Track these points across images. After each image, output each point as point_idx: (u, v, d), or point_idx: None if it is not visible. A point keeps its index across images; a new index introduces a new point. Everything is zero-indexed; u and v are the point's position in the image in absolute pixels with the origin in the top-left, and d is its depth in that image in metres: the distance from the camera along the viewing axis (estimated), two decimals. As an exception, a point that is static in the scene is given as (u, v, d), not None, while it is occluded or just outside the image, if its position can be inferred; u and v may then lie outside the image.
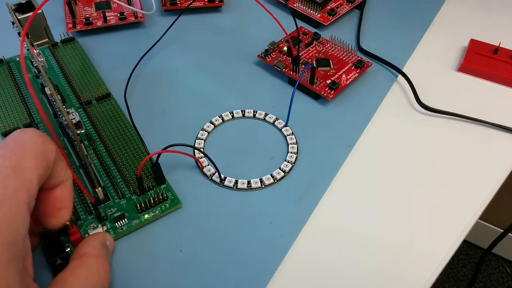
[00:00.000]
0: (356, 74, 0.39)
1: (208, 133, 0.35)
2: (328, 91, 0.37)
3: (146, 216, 0.29)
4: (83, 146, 0.27)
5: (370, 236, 0.30)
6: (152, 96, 0.38)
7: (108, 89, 0.38)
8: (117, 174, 0.32)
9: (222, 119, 0.36)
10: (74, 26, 0.43)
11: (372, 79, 0.40)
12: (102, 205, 0.30)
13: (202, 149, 0.34)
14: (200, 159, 0.33)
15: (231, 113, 0.36)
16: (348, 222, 0.30)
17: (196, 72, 0.40)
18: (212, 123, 0.36)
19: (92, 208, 0.29)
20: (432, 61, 0.43)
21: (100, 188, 0.29)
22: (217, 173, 0.32)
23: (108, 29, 0.44)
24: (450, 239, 0.30)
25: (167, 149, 0.30)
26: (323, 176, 0.33)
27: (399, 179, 0.33)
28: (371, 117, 0.37)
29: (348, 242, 0.29)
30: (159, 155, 0.30)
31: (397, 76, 0.41)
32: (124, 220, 0.29)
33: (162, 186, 0.31)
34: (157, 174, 0.30)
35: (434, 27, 0.47)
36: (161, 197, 0.30)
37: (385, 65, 0.41)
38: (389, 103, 0.38)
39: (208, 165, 0.33)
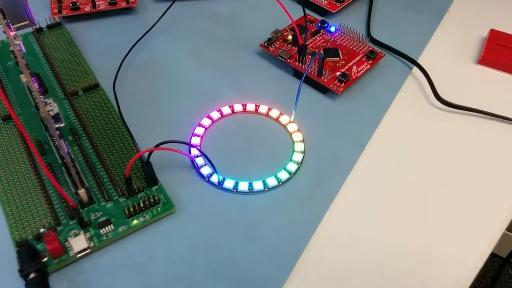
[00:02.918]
0: (368, 66, 0.35)
1: (206, 129, 0.32)
2: (338, 84, 0.34)
3: (135, 221, 0.26)
4: (62, 142, 0.24)
5: (386, 243, 0.27)
6: (144, 87, 0.35)
7: (96, 79, 0.34)
8: (104, 174, 0.28)
9: (221, 114, 0.33)
10: (60, 11, 0.40)
11: (385, 72, 0.37)
12: (86, 208, 0.26)
13: (198, 147, 0.31)
14: (196, 158, 0.29)
15: (231, 107, 0.33)
16: (363, 228, 0.27)
17: (192, 63, 0.37)
18: (210, 118, 0.32)
19: (74, 212, 0.25)
20: (449, 52, 0.39)
21: (83, 190, 0.26)
22: (215, 174, 0.29)
23: (97, 15, 0.41)
24: (478, 248, 0.26)
25: (160, 146, 0.26)
26: (333, 178, 0.29)
27: (416, 181, 0.30)
28: (385, 112, 0.34)
29: (363, 251, 0.26)
30: (150, 153, 0.26)
31: (411, 68, 0.37)
32: (110, 226, 0.26)
33: (154, 188, 0.28)
34: (148, 175, 0.27)
35: (450, 15, 0.43)
36: (152, 200, 0.27)
37: (398, 57, 0.38)
38: (404, 98, 0.35)
39: (205, 165, 0.29)
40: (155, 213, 0.27)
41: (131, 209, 0.26)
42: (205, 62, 0.37)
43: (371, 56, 0.36)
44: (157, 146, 0.26)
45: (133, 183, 0.27)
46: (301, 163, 0.30)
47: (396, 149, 0.32)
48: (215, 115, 0.32)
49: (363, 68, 0.35)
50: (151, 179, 0.27)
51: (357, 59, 0.36)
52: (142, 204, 0.26)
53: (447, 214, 0.28)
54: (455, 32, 0.41)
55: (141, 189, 0.27)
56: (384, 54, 0.36)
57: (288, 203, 0.28)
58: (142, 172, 0.28)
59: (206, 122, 0.32)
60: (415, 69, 0.37)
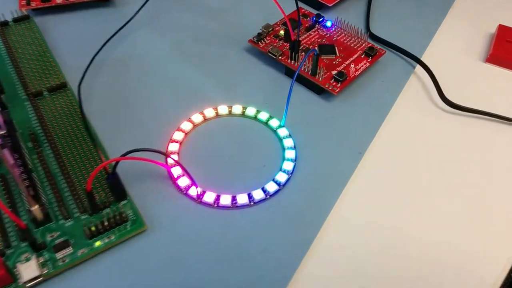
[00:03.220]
0: (367, 64, 0.32)
1: (186, 134, 0.28)
2: (334, 83, 0.30)
3: (98, 243, 0.23)
4: (7, 153, 0.20)
5: (388, 265, 0.23)
6: (119, 87, 0.31)
7: (64, 78, 0.31)
8: (66, 187, 0.25)
9: (204, 116, 0.29)
10: (28, 3, 0.36)
11: (385, 70, 0.33)
12: (41, 228, 0.23)
13: (176, 155, 0.27)
14: (172, 168, 0.26)
15: (215, 109, 0.29)
16: (362, 248, 0.24)
17: (173, 60, 0.33)
18: (190, 121, 0.29)
19: (24, 233, 0.22)
20: (455, 50, 0.36)
21: (37, 207, 0.22)
22: (193, 186, 0.25)
23: (71, 7, 0.37)
24: (498, 263, 0.23)
25: (129, 155, 0.23)
26: (328, 190, 0.26)
27: (421, 192, 0.26)
28: (386, 115, 0.30)
29: (362, 275, 0.23)
30: (116, 163, 0.23)
31: (414, 67, 0.34)
32: (69, 249, 0.22)
33: (122, 203, 0.24)
34: (114, 188, 0.24)
35: (455, 10, 0.40)
36: (119, 217, 0.23)
37: (400, 54, 0.35)
38: (406, 99, 0.32)
39: (183, 175, 0.26)
40: (122, 232, 0.23)
41: (94, 228, 0.22)
42: (188, 59, 0.33)
43: (371, 53, 0.32)
44: (124, 155, 0.22)
45: (98, 197, 0.24)
46: (292, 173, 0.27)
47: (398, 156, 0.28)
48: (197, 118, 0.29)
49: (362, 66, 0.32)
50: (118, 192, 0.24)
51: (355, 56, 0.32)
52: (107, 222, 0.23)
53: (455, 227, 0.25)
54: (461, 28, 0.38)
55: (107, 204, 0.24)
56: (385, 51, 0.33)
57: (276, 219, 0.25)
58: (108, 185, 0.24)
59: (186, 126, 0.28)
60: (419, 68, 0.34)
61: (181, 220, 0.24)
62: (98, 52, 0.32)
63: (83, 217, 0.23)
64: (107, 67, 0.32)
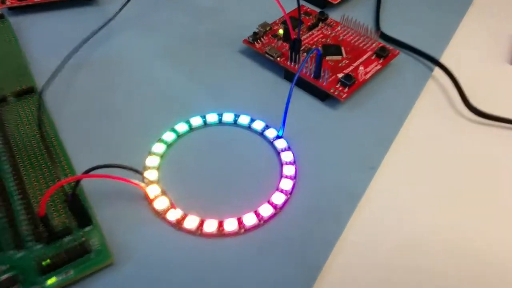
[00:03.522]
0: (379, 66, 0.28)
1: (168, 146, 0.24)
2: (340, 88, 0.26)
3: (52, 280, 0.18)
4: None
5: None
6: (94, 93, 0.27)
7: (33, 82, 0.27)
8: (22, 209, 0.21)
9: (190, 126, 0.25)
10: (3, 2, 0.33)
11: (399, 74, 0.29)
12: (-15, 261, 0.19)
13: (155, 170, 0.23)
14: (147, 187, 0.22)
15: (203, 117, 0.26)
16: (376, 283, 0.20)
17: (158, 63, 0.29)
18: (174, 131, 0.25)
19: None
20: (477, 51, 0.32)
21: (-22, 236, 0.18)
22: (172, 209, 0.21)
23: (50, 6, 0.34)
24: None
25: (94, 172, 0.19)
26: (335, 214, 0.22)
27: (442, 215, 0.22)
28: (401, 125, 0.26)
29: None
30: (77, 182, 0.19)
31: (432, 70, 0.30)
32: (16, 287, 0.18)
33: (87, 229, 0.20)
34: (75, 211, 0.20)
35: (475, 8, 0.36)
36: (79, 247, 0.19)
37: (415, 55, 0.31)
38: (424, 106, 0.28)
39: (161, 195, 0.22)
40: (83, 266, 0.19)
41: (48, 261, 0.18)
42: (174, 62, 0.29)
43: (383, 54, 0.28)
44: (88, 171, 0.18)
45: (58, 222, 0.20)
46: (291, 193, 0.22)
47: (416, 172, 0.24)
48: (182, 127, 0.25)
49: (373, 68, 0.28)
50: (80, 217, 0.20)
51: (364, 57, 0.28)
52: (64, 255, 0.19)
53: (483, 252, 0.20)
54: (482, 27, 0.34)
55: (68, 231, 0.20)
56: (399, 52, 0.29)
57: (272, 251, 0.20)
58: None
59: (168, 137, 0.25)
60: (437, 71, 0.30)
61: (157, 251, 0.20)
62: (72, 54, 0.28)
63: (37, 247, 0.19)
64: (83, 71, 0.29)
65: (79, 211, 0.19)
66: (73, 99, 0.27)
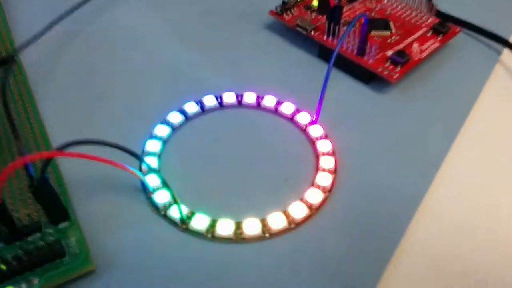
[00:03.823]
0: (437, 44, 0.23)
1: (173, 129, 0.20)
2: (391, 67, 0.21)
3: (9, 291, 0.14)
4: None
5: None
6: (90, 65, 0.23)
7: (14, 50, 0.23)
8: (-17, 197, 0.16)
9: (202, 106, 0.20)
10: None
11: (460, 55, 0.24)
12: None
13: (156, 157, 0.18)
14: (146, 177, 0.17)
15: (218, 98, 0.21)
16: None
17: (167, 36, 0.25)
18: (182, 112, 0.20)
19: None
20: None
21: None
22: (175, 205, 0.16)
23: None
24: None
25: (70, 149, 0.14)
26: (387, 220, 0.16)
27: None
28: (466, 115, 0.21)
29: None
30: (47, 162, 0.14)
31: (500, 52, 0.24)
32: (-43, 301, 0.13)
33: (61, 226, 0.15)
34: (44, 202, 0.15)
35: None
36: (48, 249, 0.14)
37: (479, 35, 0.25)
38: (493, 93, 0.22)
39: (162, 187, 0.17)
40: (54, 273, 0.14)
41: (3, 266, 0.14)
42: (187, 36, 0.25)
43: (442, 30, 0.23)
44: (62, 148, 0.14)
45: (25, 216, 0.15)
46: (329, 191, 0.17)
47: (487, 169, 0.19)
48: (191, 108, 0.20)
49: (429, 46, 0.23)
50: (53, 210, 0.15)
51: (418, 33, 0.23)
52: (25, 257, 0.14)
53: None
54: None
55: (37, 227, 0.15)
56: (459, 29, 0.24)
57: (303, 264, 0.15)
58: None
59: (175, 118, 0.20)
60: (507, 53, 0.24)
61: (154, 257, 0.15)
62: (66, 20, 0.24)
63: (-6, 246, 0.15)
64: (80, 40, 0.24)
65: (50, 201, 0.15)
66: (63, 70, 0.22)
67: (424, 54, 0.22)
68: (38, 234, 0.15)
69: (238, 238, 0.16)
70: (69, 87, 0.21)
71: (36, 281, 0.14)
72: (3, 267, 0.14)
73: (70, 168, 0.17)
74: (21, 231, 0.15)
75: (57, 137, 0.19)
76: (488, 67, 0.23)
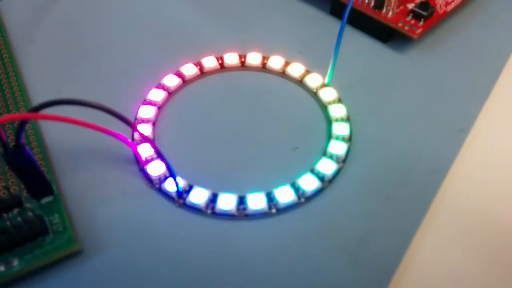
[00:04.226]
0: (464, -4, 0.20)
1: (170, 93, 0.18)
2: (413, 22, 0.19)
3: (-16, 274, 0.12)
4: None
5: None
6: (78, 21, 0.21)
7: None
8: (-42, 169, 0.14)
9: (201, 68, 0.18)
10: None
11: (488, 10, 0.22)
12: None
13: (150, 124, 0.16)
14: (139, 146, 0.15)
15: (219, 58, 0.19)
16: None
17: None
18: (179, 74, 0.18)
19: None
20: None
21: None
22: (172, 178, 0.14)
23: None
24: None
25: (48, 110, 0.12)
26: (409, 193, 0.15)
27: None
28: (497, 76, 0.19)
29: None
30: (21, 125, 0.12)
31: (535, 8, 0.22)
32: None
33: (44, 201, 0.14)
34: (21, 173, 0.13)
35: None
36: (28, 226, 0.13)
37: (510, -11, 0.23)
38: (528, 53, 0.20)
39: (157, 158, 0.15)
40: (36, 254, 0.13)
41: (-22, 246, 0.12)
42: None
43: (469, -20, 0.21)
44: (37, 108, 0.12)
45: (2, 190, 0.14)
46: (344, 161, 0.15)
47: (529, 140, 0.17)
48: (189, 70, 0.18)
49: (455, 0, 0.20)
50: (33, 182, 0.13)
51: (443, -16, 0.21)
52: (3, 237, 0.12)
53: None
54: None
55: (16, 202, 0.13)
56: (489, -19, 0.21)
57: (315, 242, 0.13)
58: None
59: (171, 81, 0.18)
60: (543, 8, 0.22)
61: (147, 234, 0.14)
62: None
63: (-33, 223, 0.13)
64: None
65: (29, 173, 0.13)
66: (47, 28, 0.20)
67: (449, 7, 0.20)
68: (18, 210, 0.13)
69: (241, 214, 0.14)
70: (53, 46, 0.19)
71: (15, 262, 0.12)
72: (-20, 247, 0.12)
73: (54, 135, 0.16)
74: (1, 205, 0.13)
75: (39, 98, 0.17)
76: (521, 22, 0.21)
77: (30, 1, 0.21)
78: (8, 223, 0.13)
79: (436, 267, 0.13)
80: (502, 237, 0.14)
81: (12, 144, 0.12)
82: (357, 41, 0.20)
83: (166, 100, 0.17)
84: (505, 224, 0.14)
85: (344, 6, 0.20)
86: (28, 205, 0.13)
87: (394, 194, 0.15)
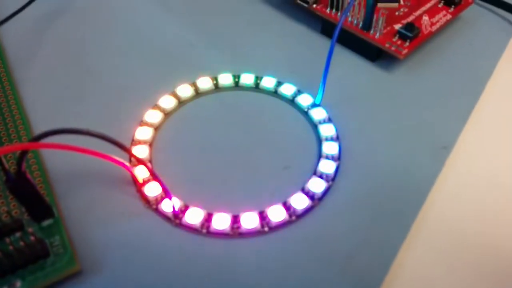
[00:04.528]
0: (449, 16, 0.21)
1: (166, 114, 0.18)
2: (399, 42, 0.20)
3: (-12, 296, 0.13)
4: None
5: None
6: (73, 45, 0.21)
7: None
8: (-39, 193, 0.15)
9: (196, 89, 0.19)
10: None
11: (473, 28, 0.22)
12: None
13: (147, 146, 0.17)
14: (134, 168, 0.16)
15: (214, 79, 0.19)
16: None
17: (155, 12, 0.23)
18: (174, 95, 0.19)
19: None
20: None
21: None
22: (167, 199, 0.15)
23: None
24: None
25: (47, 140, 0.13)
26: (395, 209, 0.15)
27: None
28: (481, 92, 0.19)
29: None
30: (22, 155, 0.13)
31: (517, 25, 0.23)
32: None
33: (45, 224, 0.14)
34: (23, 199, 0.14)
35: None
36: (31, 249, 0.13)
37: (492, 5, 0.24)
38: (509, 71, 0.21)
39: (153, 179, 0.16)
40: (37, 276, 0.13)
41: (-18, 269, 0.13)
42: (176, 11, 0.23)
43: (453, 1, 0.21)
44: (38, 138, 0.12)
45: (5, 213, 0.14)
46: (333, 179, 0.16)
47: (502, 153, 0.17)
48: (185, 91, 0.19)
49: (440, 19, 0.21)
50: (34, 206, 0.14)
51: (429, 5, 0.22)
52: (5, 260, 0.13)
53: None
54: None
55: (18, 225, 0.14)
56: (472, 0, 0.22)
57: (306, 259, 0.14)
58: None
59: (167, 103, 0.18)
60: (524, 26, 0.23)
61: (145, 254, 0.14)
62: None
63: (-28, 247, 0.14)
64: (60, 19, 0.23)
65: (30, 197, 0.13)
66: (43, 48, 0.21)
67: (434, 27, 0.20)
68: (20, 233, 0.14)
69: (235, 233, 0.15)
70: (51, 69, 0.20)
71: (18, 284, 0.13)
72: (-16, 270, 0.13)
73: (53, 159, 0.16)
74: (1, 230, 0.14)
75: (39, 123, 0.17)
76: (503, 40, 0.22)
77: (29, 26, 0.22)
78: (10, 247, 0.13)
79: (420, 282, 0.14)
80: (484, 253, 0.15)
81: (13, 170, 0.13)
82: (346, 60, 0.21)
83: (163, 121, 0.18)
84: (486, 239, 0.15)
85: (333, 26, 0.20)
86: (29, 229, 0.14)
87: (381, 210, 0.15)
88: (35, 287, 0.13)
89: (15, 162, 0.13)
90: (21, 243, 0.13)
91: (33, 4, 0.22)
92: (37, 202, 0.14)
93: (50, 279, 0.13)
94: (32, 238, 0.13)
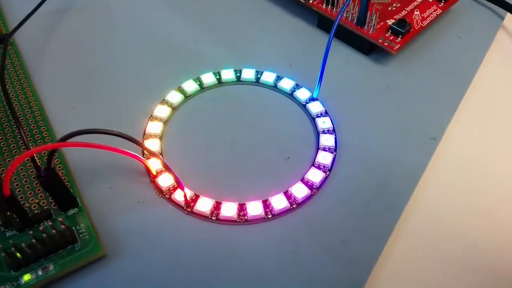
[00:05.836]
0: (439, 11, 0.22)
1: (173, 109, 0.20)
2: (392, 37, 0.21)
3: (27, 277, 0.14)
4: None
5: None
6: (83, 45, 0.22)
7: (6, 29, 0.23)
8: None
9: (200, 84, 0.20)
10: None
11: (462, 22, 0.24)
12: None
13: (157, 139, 0.18)
14: (148, 161, 0.17)
15: (217, 74, 0.21)
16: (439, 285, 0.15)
17: (160, 9, 0.24)
18: (181, 91, 0.20)
19: None
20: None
21: None
22: (179, 189, 0.17)
23: None
24: None
25: (73, 139, 0.14)
26: (387, 197, 0.17)
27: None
28: (468, 84, 0.21)
29: None
30: (52, 153, 0.14)
31: (503, 17, 0.24)
32: (-23, 289, 0.14)
33: (71, 213, 0.16)
34: (52, 191, 0.15)
35: None
36: (60, 236, 0.15)
37: (481, 0, 0.25)
38: (496, 62, 0.22)
39: (165, 171, 0.17)
40: (67, 260, 0.15)
41: (18, 254, 0.14)
42: (180, 8, 0.24)
43: (443, -4, 0.22)
44: (64, 139, 0.14)
45: (34, 204, 0.16)
46: (330, 170, 0.18)
47: (489, 143, 0.19)
48: (190, 86, 0.20)
49: (431, 14, 0.22)
50: (61, 197, 0.15)
51: (420, 1, 0.23)
52: (40, 246, 0.14)
53: None
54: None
55: (47, 215, 0.15)
56: (462, -6, 0.23)
57: (306, 243, 0.16)
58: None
59: (174, 97, 0.20)
60: (510, 18, 0.24)
61: (160, 240, 0.16)
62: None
63: (8, 234, 0.15)
64: (72, 15, 0.24)
65: (58, 190, 0.15)
66: (57, 49, 0.22)
67: (425, 22, 0.22)
68: (48, 222, 0.15)
69: (242, 219, 0.16)
70: (65, 68, 0.21)
71: (51, 267, 0.15)
72: (19, 255, 0.14)
73: (74, 155, 0.17)
74: (32, 219, 0.15)
75: (56, 121, 0.19)
76: (491, 33, 0.23)
77: (42, 26, 0.23)
78: (43, 234, 0.15)
79: (410, 264, 0.16)
80: (469, 235, 0.16)
81: (43, 167, 0.14)
82: (342, 54, 0.22)
83: (171, 115, 0.19)
84: (473, 222, 0.17)
85: (329, 20, 0.22)
86: (57, 217, 0.15)
87: (374, 199, 0.17)
88: (65, 270, 0.15)
89: (45, 159, 0.14)
90: (53, 231, 0.15)
91: (43, 5, 0.22)
92: (64, 194, 0.15)
93: (78, 263, 0.15)
94: (62, 226, 0.15)
